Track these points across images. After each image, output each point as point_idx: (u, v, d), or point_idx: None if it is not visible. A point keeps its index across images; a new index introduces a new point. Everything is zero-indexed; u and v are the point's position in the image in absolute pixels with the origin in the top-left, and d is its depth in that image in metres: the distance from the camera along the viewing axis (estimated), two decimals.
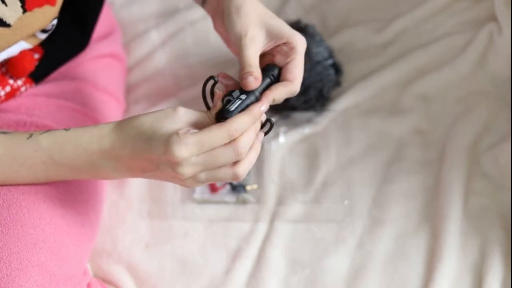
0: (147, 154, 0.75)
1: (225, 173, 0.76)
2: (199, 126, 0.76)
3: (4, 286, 0.76)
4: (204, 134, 0.73)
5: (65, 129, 0.80)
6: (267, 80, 0.82)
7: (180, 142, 0.72)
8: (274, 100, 0.80)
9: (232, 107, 0.77)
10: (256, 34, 0.81)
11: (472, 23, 1.26)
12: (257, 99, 0.79)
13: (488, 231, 1.07)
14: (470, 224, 1.08)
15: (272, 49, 0.84)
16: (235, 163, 0.76)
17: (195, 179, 0.76)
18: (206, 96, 0.80)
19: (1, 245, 0.79)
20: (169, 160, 0.73)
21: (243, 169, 0.76)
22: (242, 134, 0.75)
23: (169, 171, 0.75)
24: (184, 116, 0.76)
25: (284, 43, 0.82)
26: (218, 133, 0.74)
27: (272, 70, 0.82)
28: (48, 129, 0.81)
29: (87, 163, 0.79)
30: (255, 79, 0.79)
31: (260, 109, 0.77)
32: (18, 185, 0.84)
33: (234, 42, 0.81)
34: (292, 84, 0.82)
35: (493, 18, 1.23)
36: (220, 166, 0.75)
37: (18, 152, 0.80)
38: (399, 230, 1.09)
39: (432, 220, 1.09)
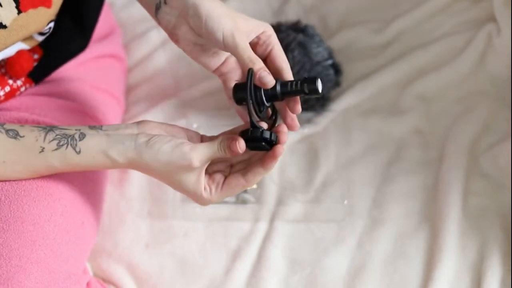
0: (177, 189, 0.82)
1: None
2: (213, 161, 0.81)
3: (3, 282, 0.76)
4: (227, 192, 0.81)
5: (76, 151, 0.80)
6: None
7: (209, 201, 0.81)
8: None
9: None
10: (242, 28, 0.77)
11: (472, 23, 1.27)
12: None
13: (487, 231, 1.07)
14: (469, 224, 1.08)
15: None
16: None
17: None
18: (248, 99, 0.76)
19: (1, 241, 0.79)
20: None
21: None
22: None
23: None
24: (199, 163, 0.78)
25: (261, 33, 0.80)
26: (238, 187, 0.81)
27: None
28: (56, 135, 0.80)
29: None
30: (269, 73, 0.76)
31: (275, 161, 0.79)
32: (21, 181, 0.84)
33: (222, 42, 0.76)
34: (287, 72, 0.79)
35: (492, 18, 1.23)
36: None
37: (30, 162, 0.81)
38: (399, 230, 1.09)
39: (431, 220, 1.09)
